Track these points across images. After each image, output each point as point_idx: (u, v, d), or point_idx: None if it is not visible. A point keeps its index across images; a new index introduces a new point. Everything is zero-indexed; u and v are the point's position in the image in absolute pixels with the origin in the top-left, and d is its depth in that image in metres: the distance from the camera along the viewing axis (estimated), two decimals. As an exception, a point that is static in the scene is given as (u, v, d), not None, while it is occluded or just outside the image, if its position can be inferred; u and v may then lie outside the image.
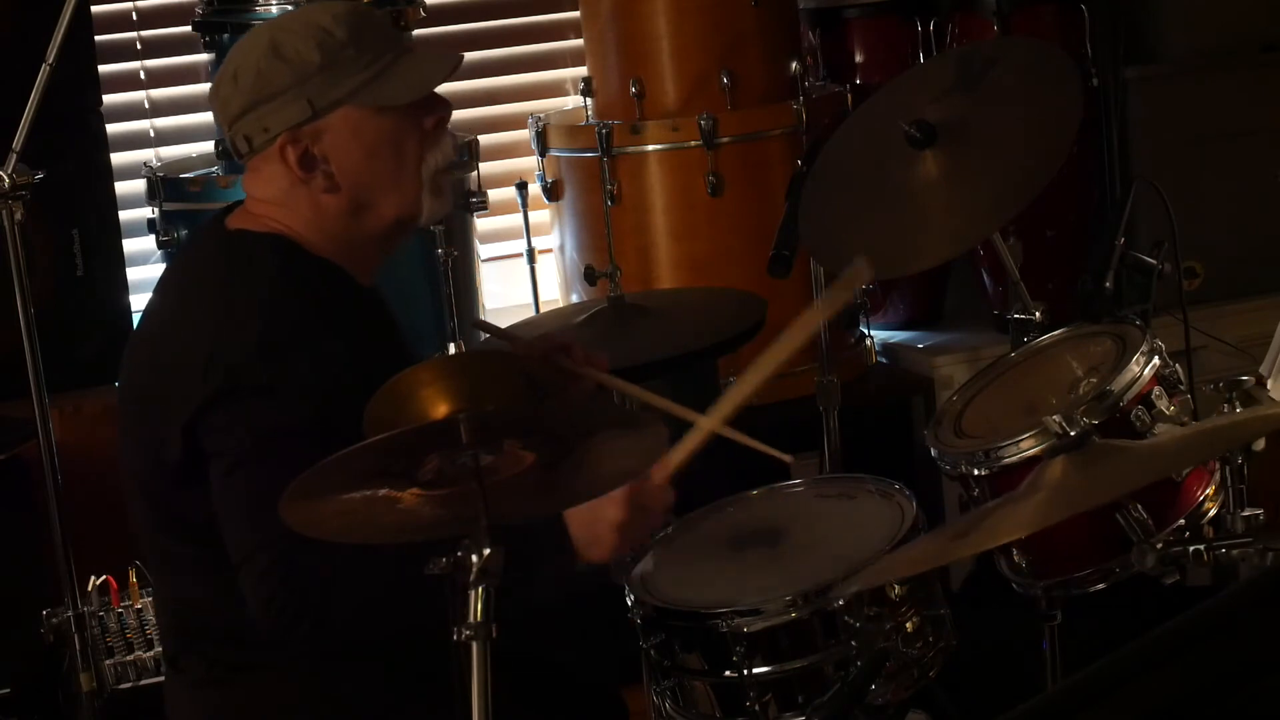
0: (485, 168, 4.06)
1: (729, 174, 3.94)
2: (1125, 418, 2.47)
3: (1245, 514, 2.29)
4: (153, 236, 3.86)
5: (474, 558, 1.95)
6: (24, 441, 3.33)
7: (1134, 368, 2.51)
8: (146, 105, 4.38)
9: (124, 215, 4.10)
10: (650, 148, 3.97)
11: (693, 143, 3.93)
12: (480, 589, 1.95)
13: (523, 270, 4.05)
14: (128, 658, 3.10)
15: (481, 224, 4.13)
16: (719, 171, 3.93)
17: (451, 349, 3.66)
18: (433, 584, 1.97)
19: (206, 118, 4.11)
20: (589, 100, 4.17)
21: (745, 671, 2.33)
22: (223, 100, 2.41)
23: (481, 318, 3.83)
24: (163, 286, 2.54)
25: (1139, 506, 2.43)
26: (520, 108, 4.54)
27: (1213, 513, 2.47)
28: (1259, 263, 4.33)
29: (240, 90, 2.38)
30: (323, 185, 2.40)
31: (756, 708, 2.34)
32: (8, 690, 3.45)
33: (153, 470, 2.37)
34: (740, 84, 3.96)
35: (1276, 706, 1.53)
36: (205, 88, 2.67)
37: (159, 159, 4.25)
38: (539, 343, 2.61)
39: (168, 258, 3.83)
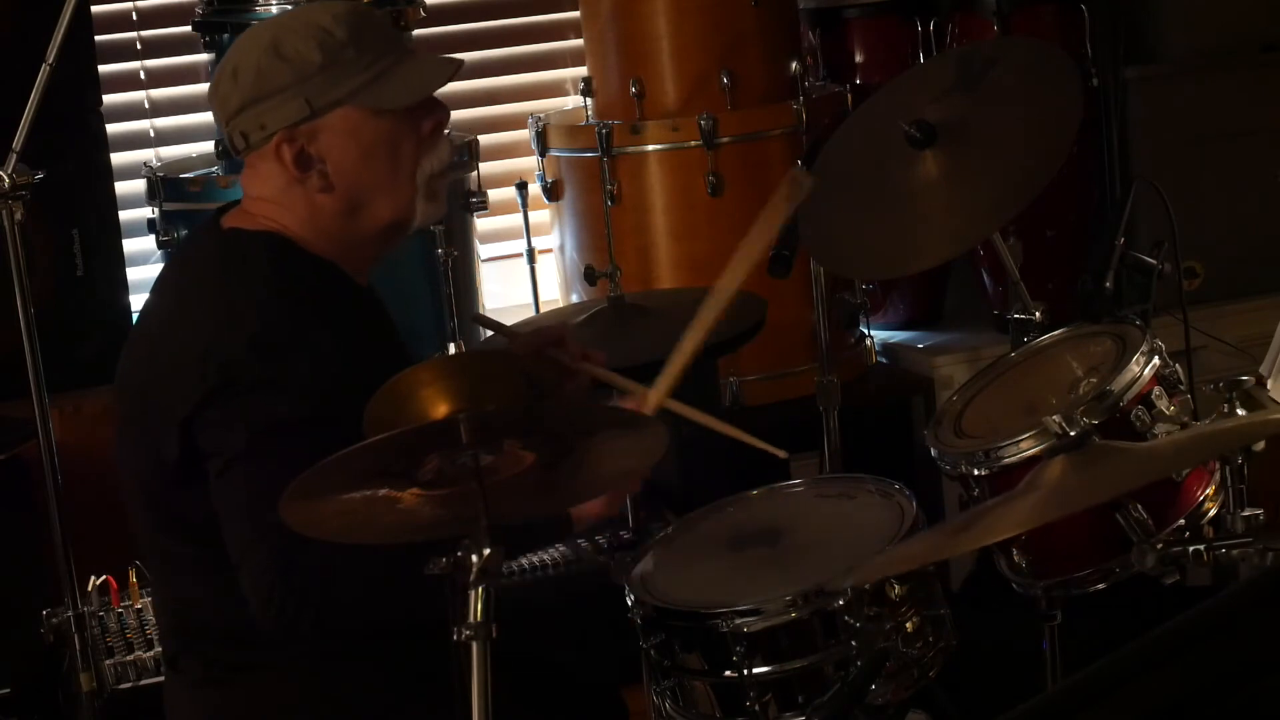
0: (485, 168, 4.05)
1: (729, 174, 3.94)
2: (1125, 418, 2.47)
3: (1245, 514, 2.29)
4: (153, 236, 3.85)
5: (474, 558, 1.95)
6: (24, 441, 3.32)
7: (1134, 368, 2.51)
8: (146, 105, 4.38)
9: (124, 215, 4.10)
10: (650, 148, 3.97)
11: (693, 143, 3.93)
12: (480, 589, 1.95)
13: (523, 270, 4.05)
14: (128, 658, 3.10)
15: (481, 224, 4.12)
16: (719, 171, 3.93)
17: (451, 349, 3.66)
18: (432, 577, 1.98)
19: (206, 118, 4.11)
20: (589, 100, 4.17)
21: (745, 671, 2.33)
22: (221, 97, 2.41)
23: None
24: (160, 285, 2.54)
25: (1139, 506, 2.42)
26: (520, 108, 4.54)
27: (1213, 513, 2.46)
28: (1259, 263, 4.33)
29: (239, 87, 2.38)
30: (318, 185, 2.40)
31: (756, 708, 2.34)
32: (8, 690, 3.45)
33: (151, 470, 2.37)
34: (740, 84, 3.96)
35: (1276, 706, 1.53)
36: (205, 88, 2.66)
37: (159, 159, 4.25)
38: (534, 337, 2.61)
39: (167, 258, 3.83)
